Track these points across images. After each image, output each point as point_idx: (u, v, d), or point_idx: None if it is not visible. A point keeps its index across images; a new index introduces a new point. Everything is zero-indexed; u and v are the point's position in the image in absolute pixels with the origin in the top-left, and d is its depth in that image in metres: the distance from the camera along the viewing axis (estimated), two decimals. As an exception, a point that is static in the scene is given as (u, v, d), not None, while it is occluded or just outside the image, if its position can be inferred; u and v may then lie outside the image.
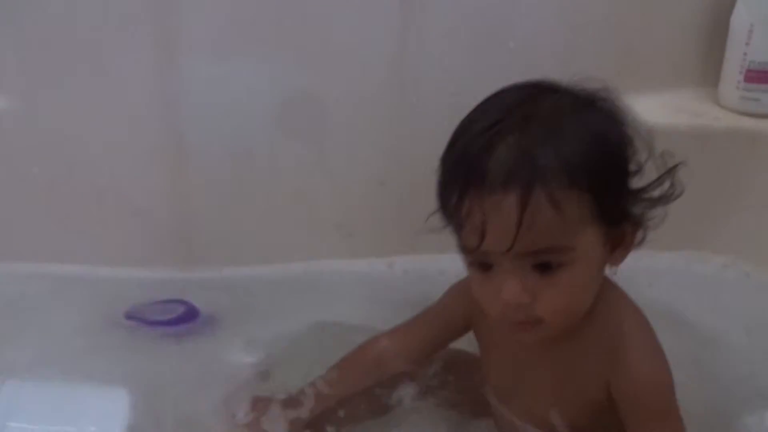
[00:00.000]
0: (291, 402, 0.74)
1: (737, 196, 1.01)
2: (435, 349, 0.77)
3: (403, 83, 0.98)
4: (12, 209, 0.98)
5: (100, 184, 0.99)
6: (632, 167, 0.59)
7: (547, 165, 0.52)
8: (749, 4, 0.99)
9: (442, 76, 0.97)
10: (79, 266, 1.01)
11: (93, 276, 1.01)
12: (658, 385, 0.61)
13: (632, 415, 0.62)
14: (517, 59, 0.96)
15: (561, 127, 0.55)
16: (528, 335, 0.59)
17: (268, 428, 0.73)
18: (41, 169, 0.98)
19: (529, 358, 0.66)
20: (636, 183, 0.59)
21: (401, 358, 0.75)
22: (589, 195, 0.54)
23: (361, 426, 0.76)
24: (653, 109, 1.01)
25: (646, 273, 0.96)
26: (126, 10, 0.92)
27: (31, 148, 0.97)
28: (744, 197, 1.01)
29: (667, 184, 0.61)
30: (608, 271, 0.62)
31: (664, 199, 0.61)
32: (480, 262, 0.57)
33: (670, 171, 0.61)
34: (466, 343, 0.77)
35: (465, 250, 0.57)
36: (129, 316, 0.93)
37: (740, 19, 0.99)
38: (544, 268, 0.55)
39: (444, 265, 1.00)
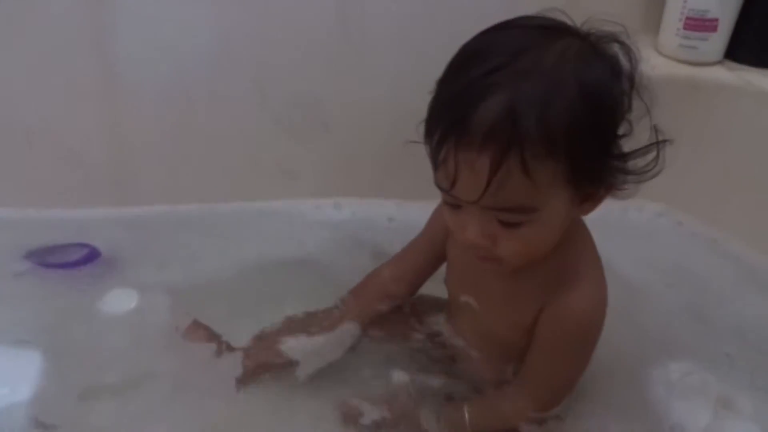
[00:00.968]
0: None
1: (673, 143, 1.04)
2: (430, 272, 0.80)
3: (348, 24, 0.95)
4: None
5: (28, 124, 0.96)
6: (621, 131, 0.58)
7: (528, 132, 0.52)
8: (692, -49, 0.99)
9: (387, 17, 0.95)
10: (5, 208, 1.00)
11: (17, 217, 1.00)
12: (579, 328, 0.64)
13: (540, 342, 0.66)
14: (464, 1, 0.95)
15: (555, 88, 0.53)
16: (488, 266, 0.62)
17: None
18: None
19: (489, 272, 0.68)
20: (621, 147, 0.59)
21: (403, 283, 0.80)
22: (566, 162, 0.54)
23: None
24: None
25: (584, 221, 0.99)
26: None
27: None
28: (678, 144, 1.03)
29: (651, 156, 0.61)
30: None
31: (643, 174, 0.61)
32: (450, 200, 0.59)
33: (655, 144, 0.61)
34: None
35: (438, 187, 0.59)
36: (28, 257, 0.93)
37: (682, -35, 1.00)
38: (506, 224, 0.57)
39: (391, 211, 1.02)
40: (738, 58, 1.02)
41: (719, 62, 1.03)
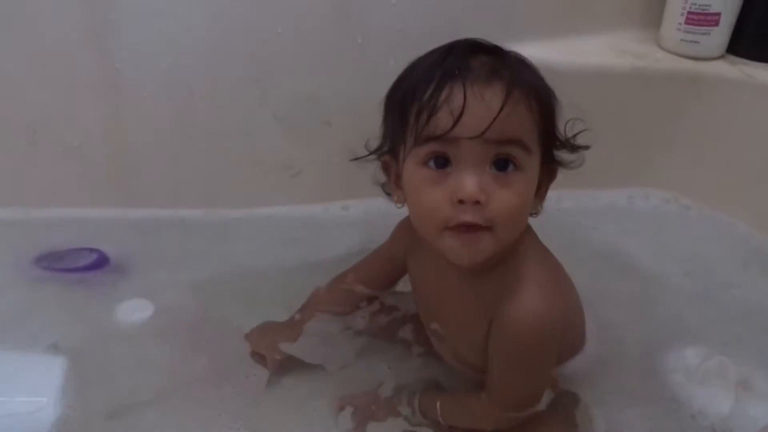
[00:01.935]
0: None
1: (676, 135, 1.04)
2: (390, 280, 0.82)
3: (349, 21, 0.95)
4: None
5: (30, 121, 0.95)
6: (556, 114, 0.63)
7: (523, 75, 0.59)
8: (693, -55, 0.99)
9: (388, 12, 0.95)
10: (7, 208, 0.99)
11: (21, 217, 0.99)
12: (526, 337, 0.62)
13: (495, 354, 0.65)
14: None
15: (522, 60, 0.62)
16: (472, 249, 0.59)
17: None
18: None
19: (446, 292, 0.69)
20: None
21: (366, 288, 0.83)
22: (542, 118, 0.60)
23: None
24: (596, 50, 1.03)
25: (591, 213, 1.00)
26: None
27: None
28: (682, 135, 1.04)
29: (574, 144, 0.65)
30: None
31: (574, 162, 0.65)
32: (437, 157, 0.58)
33: (576, 135, 0.65)
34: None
35: (429, 139, 0.58)
36: (38, 262, 0.92)
37: (683, -40, 1.00)
38: (502, 167, 0.57)
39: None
40: (740, 53, 1.03)
41: (721, 57, 1.03)
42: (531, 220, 0.66)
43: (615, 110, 1.01)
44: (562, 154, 0.65)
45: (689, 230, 1.02)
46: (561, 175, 0.66)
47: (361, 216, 1.04)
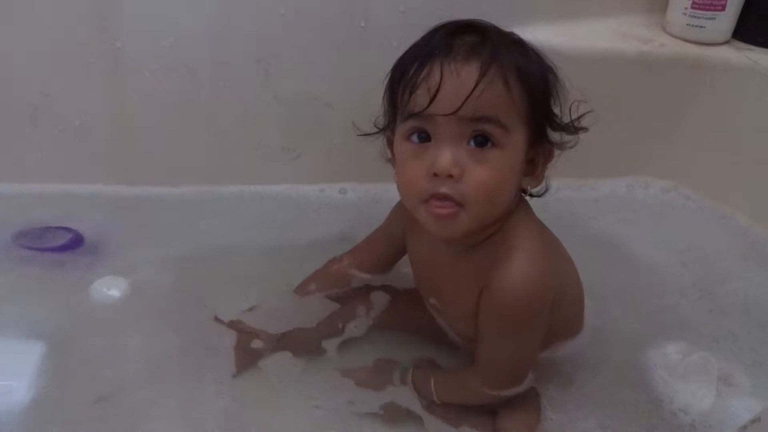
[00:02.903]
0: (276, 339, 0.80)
1: (679, 122, 1.04)
2: (387, 263, 0.83)
3: (352, 2, 0.94)
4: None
5: (31, 100, 0.95)
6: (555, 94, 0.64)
7: (504, 54, 0.59)
8: (701, -72, 0.98)
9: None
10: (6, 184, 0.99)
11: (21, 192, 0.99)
12: (518, 303, 0.63)
13: (484, 324, 0.67)
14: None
15: (512, 40, 0.62)
16: (446, 224, 0.61)
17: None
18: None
19: (440, 267, 0.70)
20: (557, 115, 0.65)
21: (360, 272, 0.83)
22: (528, 97, 0.60)
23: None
24: (601, 34, 1.02)
25: (590, 202, 1.00)
26: None
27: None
28: (685, 122, 1.04)
29: (575, 126, 0.66)
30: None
31: (564, 145, 0.65)
32: (419, 132, 0.61)
33: (580, 118, 0.65)
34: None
35: (410, 115, 0.60)
36: (16, 239, 0.92)
37: (691, -56, 0.99)
38: (480, 143, 0.59)
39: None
40: (745, 38, 1.02)
41: (727, 42, 1.02)
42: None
43: (618, 96, 1.00)
44: (558, 135, 0.65)
45: (688, 221, 1.02)
46: (560, 164, 0.66)
47: (356, 201, 1.04)
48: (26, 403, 0.72)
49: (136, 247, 0.93)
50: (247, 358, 0.78)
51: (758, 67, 0.96)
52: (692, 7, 1.00)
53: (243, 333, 0.80)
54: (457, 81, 0.57)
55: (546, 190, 0.68)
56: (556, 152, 0.66)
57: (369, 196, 1.04)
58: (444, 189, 0.59)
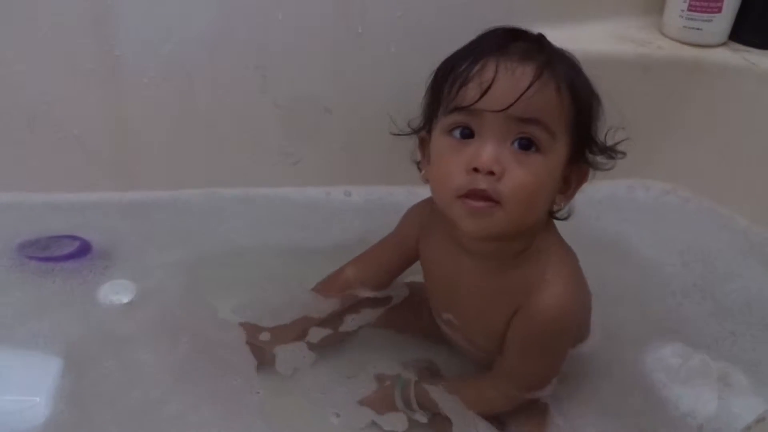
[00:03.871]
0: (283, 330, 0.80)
1: (677, 124, 1.04)
2: (395, 273, 0.81)
3: (350, 7, 0.94)
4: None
5: (29, 108, 0.95)
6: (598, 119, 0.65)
7: (559, 63, 0.60)
8: (696, -69, 0.98)
9: (388, 1, 0.94)
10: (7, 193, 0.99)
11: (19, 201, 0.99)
12: (548, 329, 0.65)
13: (513, 342, 0.67)
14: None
15: (565, 55, 0.63)
16: (481, 220, 0.60)
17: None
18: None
19: (462, 282, 0.69)
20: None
21: (365, 285, 0.81)
22: (576, 112, 0.61)
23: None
24: (598, 36, 1.02)
25: (592, 203, 1.00)
26: None
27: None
28: (684, 125, 1.04)
29: (614, 151, 0.66)
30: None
31: (601, 168, 0.66)
32: (462, 127, 0.60)
33: (616, 144, 0.66)
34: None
35: (456, 109, 0.60)
36: (21, 250, 0.91)
37: (686, -54, 0.99)
38: (524, 146, 0.58)
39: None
40: (742, 40, 1.02)
41: (724, 44, 1.02)
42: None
43: (617, 98, 1.00)
44: (597, 158, 0.65)
45: (688, 222, 1.02)
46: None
47: (362, 203, 1.04)
48: (46, 420, 0.70)
49: (144, 252, 0.93)
50: (260, 350, 0.78)
51: (755, 69, 0.97)
52: (689, 10, 1.00)
53: (249, 327, 0.80)
54: (511, 79, 0.57)
55: (569, 215, 0.68)
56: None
57: (374, 199, 1.04)
58: (483, 185, 0.58)
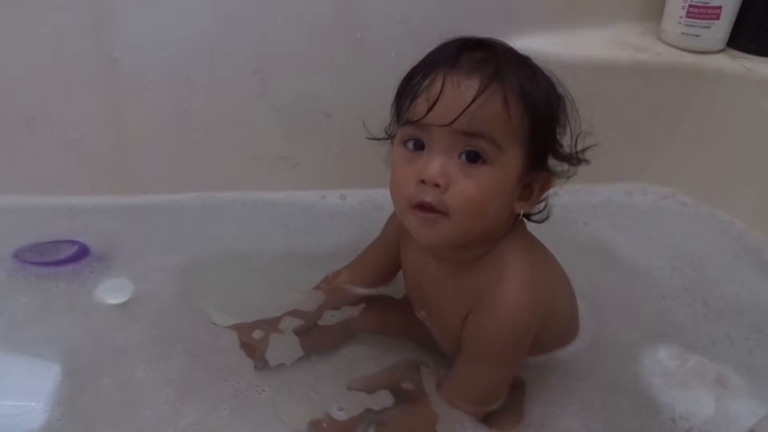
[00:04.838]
0: (273, 322, 0.81)
1: (675, 130, 1.04)
2: (387, 273, 0.83)
3: (349, 12, 0.95)
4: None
5: (28, 112, 0.95)
6: (561, 124, 0.64)
7: (508, 74, 0.59)
8: (694, -62, 0.99)
9: (388, 5, 0.94)
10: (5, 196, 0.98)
11: (18, 204, 0.98)
12: (503, 333, 0.64)
13: (466, 346, 0.67)
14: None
15: (521, 62, 0.62)
16: (429, 229, 0.61)
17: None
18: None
19: (429, 282, 0.71)
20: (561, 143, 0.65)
21: (359, 286, 0.83)
22: (529, 121, 0.60)
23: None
24: (597, 42, 1.03)
25: (587, 208, 1.00)
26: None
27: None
28: (682, 130, 1.04)
29: (578, 158, 0.65)
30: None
31: (568, 172, 0.65)
32: (414, 139, 0.61)
33: (584, 150, 0.65)
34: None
35: (408, 122, 0.61)
36: (18, 254, 0.91)
37: (684, -47, 1.00)
38: (471, 158, 0.59)
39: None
40: (740, 47, 1.02)
41: (722, 51, 1.03)
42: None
43: (615, 104, 1.01)
44: (558, 164, 0.65)
45: (685, 227, 1.03)
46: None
47: (357, 206, 1.04)
48: (42, 425, 0.69)
49: (142, 255, 0.92)
50: (254, 349, 0.78)
51: (753, 75, 0.97)
52: (687, 16, 1.00)
53: (240, 327, 0.80)
54: (456, 94, 0.58)
55: (547, 217, 0.68)
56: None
57: (370, 203, 1.04)
58: (429, 198, 0.60)
